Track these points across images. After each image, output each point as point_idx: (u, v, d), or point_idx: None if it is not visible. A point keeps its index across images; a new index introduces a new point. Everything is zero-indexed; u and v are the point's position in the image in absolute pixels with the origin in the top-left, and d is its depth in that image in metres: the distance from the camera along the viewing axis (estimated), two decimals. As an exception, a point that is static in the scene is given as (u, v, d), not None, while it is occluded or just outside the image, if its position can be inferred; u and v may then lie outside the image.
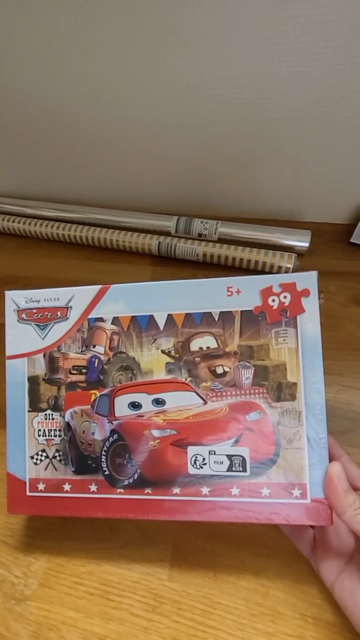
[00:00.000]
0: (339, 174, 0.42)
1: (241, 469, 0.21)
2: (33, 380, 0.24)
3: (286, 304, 0.22)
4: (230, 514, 0.20)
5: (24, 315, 0.25)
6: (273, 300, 0.22)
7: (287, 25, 0.31)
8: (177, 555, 0.24)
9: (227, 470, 0.21)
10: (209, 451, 0.21)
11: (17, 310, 0.26)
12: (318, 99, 0.35)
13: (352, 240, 0.42)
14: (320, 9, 0.29)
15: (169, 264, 0.43)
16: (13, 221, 0.47)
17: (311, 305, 0.22)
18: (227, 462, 0.21)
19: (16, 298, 0.26)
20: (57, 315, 0.25)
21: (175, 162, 0.44)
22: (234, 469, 0.21)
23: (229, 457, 0.21)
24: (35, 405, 0.24)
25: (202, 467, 0.21)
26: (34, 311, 0.25)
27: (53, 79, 0.39)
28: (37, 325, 0.25)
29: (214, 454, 0.21)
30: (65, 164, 0.47)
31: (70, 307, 0.25)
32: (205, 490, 0.21)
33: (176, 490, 0.21)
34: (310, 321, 0.21)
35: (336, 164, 0.41)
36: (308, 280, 0.22)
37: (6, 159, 0.49)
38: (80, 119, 0.42)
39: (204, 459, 0.21)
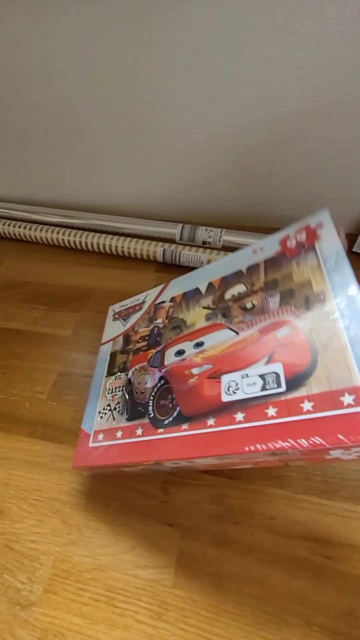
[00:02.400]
0: (341, 185, 0.42)
1: (275, 385, 0.19)
2: (113, 355, 0.31)
3: (302, 239, 0.23)
4: (269, 441, 0.17)
5: (116, 315, 0.34)
6: (291, 242, 0.24)
7: (289, 42, 0.32)
8: (182, 562, 0.24)
9: (261, 390, 0.19)
10: (242, 375, 0.20)
11: (114, 314, 0.34)
12: (322, 113, 0.36)
13: (354, 250, 0.43)
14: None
15: (173, 271, 0.44)
16: (19, 227, 0.48)
17: (326, 232, 0.22)
18: (259, 382, 0.19)
19: (115, 308, 0.35)
20: (135, 309, 0.32)
21: (181, 172, 0.45)
22: (267, 387, 0.19)
23: (262, 376, 0.19)
24: (110, 371, 0.30)
25: (234, 393, 0.20)
26: (123, 312, 0.34)
27: (61, 87, 0.40)
28: (123, 319, 0.33)
29: (247, 377, 0.20)
30: (72, 172, 0.48)
31: (144, 301, 0.32)
32: (239, 416, 0.19)
33: (211, 421, 0.20)
34: (328, 240, 0.22)
35: (339, 176, 0.42)
36: (320, 217, 0.23)
37: (13, 165, 0.49)
38: (88, 128, 0.43)
39: (237, 384, 0.20)
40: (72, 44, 0.36)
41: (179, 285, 0.30)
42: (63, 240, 0.46)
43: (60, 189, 0.51)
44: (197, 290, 0.28)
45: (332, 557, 0.24)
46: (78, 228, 0.47)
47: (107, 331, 0.33)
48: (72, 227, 0.47)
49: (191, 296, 0.28)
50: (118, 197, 0.50)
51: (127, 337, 0.31)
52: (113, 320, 0.34)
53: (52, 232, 0.47)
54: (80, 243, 0.46)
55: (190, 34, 0.34)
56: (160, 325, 0.28)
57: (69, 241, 0.46)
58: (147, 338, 0.29)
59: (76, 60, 0.37)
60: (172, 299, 0.29)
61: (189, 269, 0.44)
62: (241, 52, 0.34)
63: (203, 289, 0.28)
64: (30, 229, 0.47)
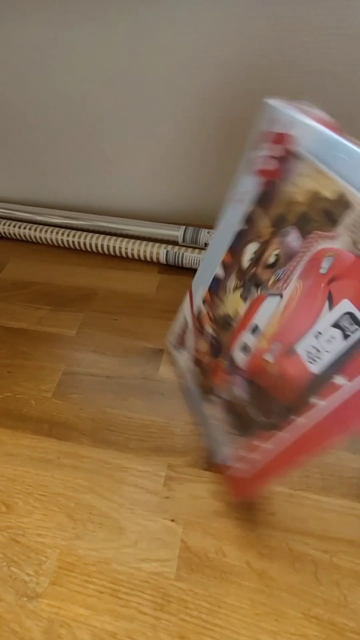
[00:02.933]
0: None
1: (357, 326, 0.15)
2: (197, 384, 0.30)
3: (279, 153, 0.19)
4: None
5: (176, 345, 0.33)
6: (269, 165, 0.20)
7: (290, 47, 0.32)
8: (183, 556, 0.25)
9: (345, 339, 0.15)
10: (314, 335, 0.17)
11: (174, 346, 0.34)
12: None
13: None
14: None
15: (175, 272, 0.44)
16: (24, 228, 0.49)
17: (297, 126, 0.18)
18: (338, 332, 0.16)
19: (171, 340, 0.34)
20: (186, 330, 0.31)
21: (184, 174, 0.46)
22: (350, 331, 0.15)
23: (336, 325, 0.16)
24: (204, 398, 0.29)
25: (319, 359, 0.17)
26: (178, 339, 0.33)
27: (65, 90, 0.41)
28: (182, 346, 0.32)
29: (320, 334, 0.17)
30: (76, 174, 0.49)
31: (186, 318, 0.31)
32: (341, 380, 0.16)
33: (315, 400, 0.17)
34: (305, 132, 0.18)
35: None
36: (275, 114, 0.19)
37: (18, 167, 0.50)
38: (92, 130, 0.44)
39: (316, 348, 0.17)
40: (76, 49, 0.37)
41: (199, 285, 0.28)
42: (67, 241, 0.47)
43: (64, 190, 0.51)
44: (215, 278, 0.26)
45: (330, 551, 0.25)
46: (81, 229, 0.48)
47: (180, 365, 0.32)
48: (76, 229, 0.48)
49: (215, 287, 0.26)
50: (121, 199, 0.51)
51: (197, 361, 0.30)
52: (178, 352, 0.33)
53: (56, 233, 0.47)
54: (83, 244, 0.47)
55: (183, 37, 0.34)
56: (213, 333, 0.27)
57: (72, 242, 0.47)
58: (210, 352, 0.27)
59: (82, 64, 0.38)
60: (204, 301, 0.28)
61: (191, 270, 0.44)
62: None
63: (221, 273, 0.25)
64: (34, 230, 0.48)
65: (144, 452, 0.30)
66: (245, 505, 0.27)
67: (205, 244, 0.44)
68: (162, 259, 0.44)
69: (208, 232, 0.44)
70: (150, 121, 0.41)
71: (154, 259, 0.45)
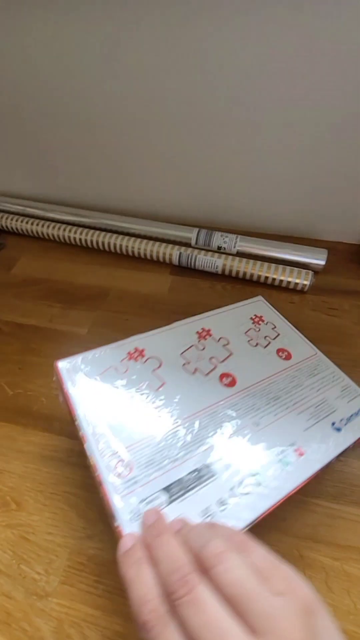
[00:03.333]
0: (354, 196, 0.43)
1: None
2: None
3: None
4: None
5: None
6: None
7: (315, 58, 0.32)
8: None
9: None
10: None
11: None
12: (334, 126, 0.37)
13: (366, 260, 0.44)
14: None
15: (188, 274, 0.45)
16: (36, 224, 0.49)
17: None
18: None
19: None
20: None
21: (198, 178, 0.46)
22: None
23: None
24: None
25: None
26: None
27: (82, 93, 0.41)
28: None
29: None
30: (91, 173, 0.49)
31: None
32: None
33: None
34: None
35: (351, 186, 0.42)
36: None
37: (33, 164, 0.50)
38: (108, 132, 0.44)
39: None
40: (93, 49, 0.37)
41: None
42: (80, 239, 0.47)
43: (79, 189, 0.52)
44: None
45: (341, 559, 0.25)
46: (94, 228, 0.48)
47: None
48: (88, 227, 0.48)
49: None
50: (135, 199, 0.51)
51: None
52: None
53: (69, 230, 0.47)
54: (96, 243, 0.47)
55: (204, 39, 0.34)
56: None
57: (85, 240, 0.47)
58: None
59: (97, 68, 0.38)
60: None
61: (203, 273, 0.45)
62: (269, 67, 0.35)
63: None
64: (47, 226, 0.48)
65: (155, 454, 0.30)
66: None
67: (218, 247, 0.44)
68: (175, 260, 0.44)
69: (221, 235, 0.44)
70: (164, 123, 0.42)
71: (167, 260, 0.45)
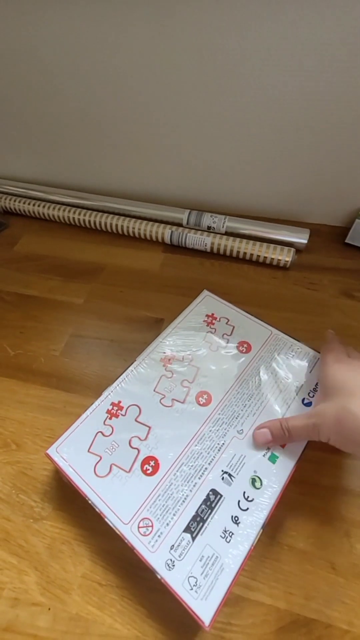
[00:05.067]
0: (337, 181, 0.46)
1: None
2: None
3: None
4: None
5: None
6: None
7: (294, 46, 0.35)
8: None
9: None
10: None
11: None
12: (321, 113, 0.40)
13: (346, 241, 0.47)
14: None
15: (179, 252, 0.47)
16: (39, 206, 0.52)
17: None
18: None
19: None
20: None
21: (190, 163, 0.49)
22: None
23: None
24: None
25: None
26: None
27: (83, 80, 0.44)
28: None
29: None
30: (90, 158, 0.52)
31: None
32: None
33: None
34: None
35: (335, 172, 0.45)
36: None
37: (36, 149, 0.53)
38: (105, 119, 0.47)
39: None
40: (96, 41, 0.40)
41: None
42: (78, 219, 0.50)
43: (79, 173, 0.55)
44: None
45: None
46: (92, 209, 0.51)
47: None
48: (87, 208, 0.51)
49: None
50: (131, 182, 0.54)
51: None
52: None
53: (69, 211, 0.50)
54: (94, 223, 0.50)
55: (204, 35, 0.37)
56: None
57: (83, 220, 0.50)
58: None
59: (98, 56, 0.41)
60: None
61: (194, 251, 0.48)
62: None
63: None
64: (48, 208, 0.51)
65: (142, 405, 0.33)
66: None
67: (208, 227, 0.47)
68: (167, 239, 0.47)
69: (211, 216, 0.47)
70: (160, 112, 0.44)
71: (159, 239, 0.48)
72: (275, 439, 0.26)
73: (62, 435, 0.28)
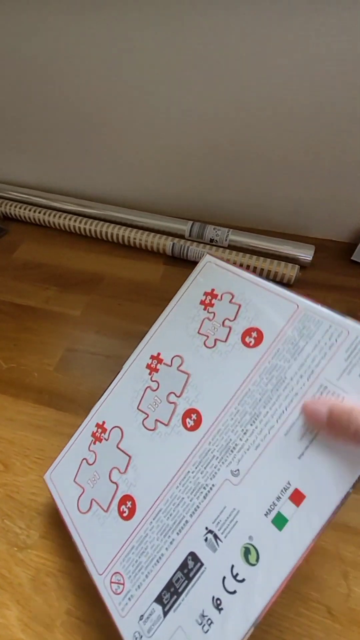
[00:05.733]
0: (344, 196, 0.45)
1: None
2: None
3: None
4: None
5: None
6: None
7: (309, 57, 0.34)
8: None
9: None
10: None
11: None
12: (330, 125, 0.39)
13: (352, 258, 0.46)
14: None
15: (180, 265, 0.46)
16: (39, 212, 0.51)
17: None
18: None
19: None
20: None
21: (194, 173, 0.48)
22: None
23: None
24: None
25: None
26: None
27: (85, 86, 0.43)
28: None
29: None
30: (94, 165, 0.51)
31: None
32: None
33: None
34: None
35: (342, 187, 0.44)
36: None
37: (38, 154, 0.52)
38: (107, 125, 0.46)
39: None
40: (97, 46, 0.39)
41: None
42: (79, 227, 0.49)
43: (80, 181, 0.54)
44: None
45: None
46: (93, 218, 0.50)
47: None
48: (88, 217, 0.50)
49: None
50: (132, 191, 0.53)
51: None
52: None
53: (69, 219, 0.49)
54: (94, 232, 0.49)
55: (204, 39, 0.36)
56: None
57: (84, 229, 0.49)
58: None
59: (98, 61, 0.40)
60: None
61: (195, 264, 0.46)
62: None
63: None
64: (49, 215, 0.50)
65: (136, 427, 0.32)
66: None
67: (211, 240, 0.46)
68: (168, 251, 0.46)
69: (214, 229, 0.46)
70: (163, 121, 0.43)
71: (160, 250, 0.46)
72: (331, 426, 0.17)
73: (55, 460, 0.27)
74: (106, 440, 0.25)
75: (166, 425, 0.23)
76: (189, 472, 0.21)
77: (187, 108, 0.42)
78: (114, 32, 0.38)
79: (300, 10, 0.32)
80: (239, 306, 0.23)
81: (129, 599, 0.19)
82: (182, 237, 0.47)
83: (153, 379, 0.25)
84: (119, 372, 0.28)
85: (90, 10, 0.37)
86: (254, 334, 0.22)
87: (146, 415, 0.24)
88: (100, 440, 0.25)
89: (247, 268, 0.43)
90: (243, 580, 0.17)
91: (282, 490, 0.18)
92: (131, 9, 0.35)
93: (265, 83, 0.37)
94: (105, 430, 0.25)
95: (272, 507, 0.18)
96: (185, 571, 0.19)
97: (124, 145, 0.48)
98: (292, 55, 0.35)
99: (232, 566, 0.18)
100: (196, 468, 0.20)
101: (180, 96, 0.41)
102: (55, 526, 0.27)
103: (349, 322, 0.19)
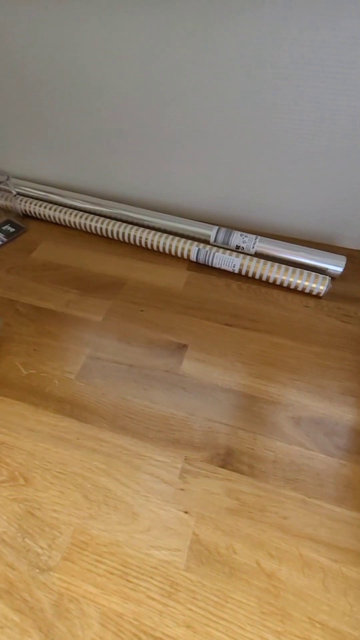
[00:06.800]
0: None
1: None
2: None
3: None
4: None
5: None
6: None
7: (347, 65, 0.32)
8: (194, 548, 0.26)
9: None
10: None
11: None
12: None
13: (382, 271, 0.44)
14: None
15: (204, 271, 0.45)
16: (59, 211, 0.49)
17: None
18: None
19: None
20: None
21: (223, 176, 0.46)
22: None
23: None
24: None
25: None
26: None
27: (110, 80, 0.41)
28: None
29: None
30: (118, 164, 0.49)
31: None
32: None
33: None
34: None
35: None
36: None
37: (59, 151, 0.51)
38: (136, 126, 0.44)
39: None
40: (127, 46, 0.37)
41: None
42: (100, 228, 0.48)
43: (102, 179, 0.52)
44: None
45: (339, 561, 0.25)
46: (115, 219, 0.49)
47: None
48: (110, 217, 0.49)
49: None
50: (156, 192, 0.51)
51: None
52: None
53: (90, 219, 0.48)
54: (116, 233, 0.47)
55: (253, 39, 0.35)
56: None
57: (105, 230, 0.47)
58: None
59: (134, 63, 0.39)
60: None
61: (220, 271, 0.45)
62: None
63: None
64: (69, 214, 0.49)
65: (162, 443, 0.31)
66: (259, 506, 0.27)
67: (237, 246, 0.44)
68: (193, 256, 0.44)
69: (241, 235, 0.44)
70: (191, 121, 0.42)
71: (185, 255, 0.45)
72: None
73: None
74: None
75: None
76: None
77: (215, 110, 0.40)
78: (154, 33, 0.36)
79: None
80: None
81: None
82: (207, 242, 0.46)
83: None
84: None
85: (121, 11, 0.35)
86: None
87: None
88: None
89: (275, 279, 0.42)
90: None
91: None
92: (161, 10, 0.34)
93: (309, 88, 0.36)
94: None
95: None
96: None
97: (148, 146, 0.46)
98: (341, 58, 0.33)
99: None
100: None
101: (208, 96, 0.39)
102: (79, 548, 0.26)
103: None
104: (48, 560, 0.26)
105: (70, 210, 0.49)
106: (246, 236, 0.44)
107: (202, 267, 0.45)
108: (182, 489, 0.28)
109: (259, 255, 0.44)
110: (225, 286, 0.43)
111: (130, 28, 0.37)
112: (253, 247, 0.44)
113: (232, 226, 0.48)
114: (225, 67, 0.37)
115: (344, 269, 0.42)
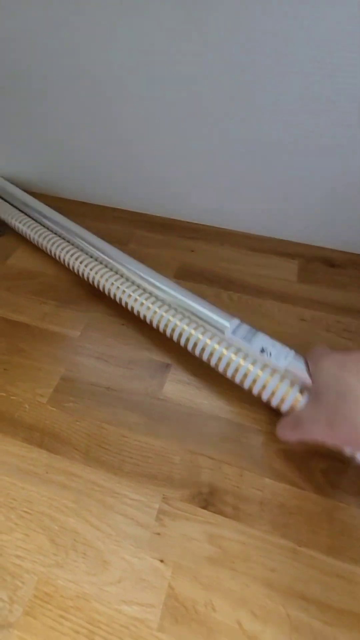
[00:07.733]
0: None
1: None
2: None
3: None
4: None
5: None
6: None
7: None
8: (169, 604, 0.23)
9: None
10: None
11: None
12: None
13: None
14: None
15: (193, 279, 0.41)
16: (32, 229, 0.45)
17: None
18: None
19: None
20: None
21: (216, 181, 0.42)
22: None
23: None
24: None
25: None
26: None
27: (118, 91, 0.37)
28: None
29: None
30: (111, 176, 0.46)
31: None
32: None
33: None
34: None
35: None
36: None
37: (39, 154, 0.47)
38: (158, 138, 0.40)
39: None
40: (125, 48, 0.33)
41: None
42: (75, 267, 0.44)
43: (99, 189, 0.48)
44: None
45: (333, 624, 0.22)
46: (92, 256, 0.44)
47: None
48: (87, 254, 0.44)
49: None
50: (145, 203, 0.47)
51: None
52: None
53: (66, 252, 0.44)
54: (92, 279, 0.43)
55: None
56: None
57: (80, 272, 0.44)
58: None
59: (134, 69, 0.34)
60: None
61: (209, 280, 0.41)
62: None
63: None
64: (42, 236, 0.43)
65: (138, 478, 0.28)
66: (243, 556, 0.24)
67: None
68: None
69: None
70: (198, 134, 0.38)
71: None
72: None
73: None
74: None
75: None
76: None
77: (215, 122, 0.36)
78: (138, 34, 0.32)
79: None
80: None
81: None
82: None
83: None
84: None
85: (122, 20, 0.31)
86: None
87: None
88: None
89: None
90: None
91: None
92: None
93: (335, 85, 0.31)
94: None
95: None
96: None
97: (141, 156, 0.42)
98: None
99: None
100: None
101: (242, 103, 0.35)
102: (42, 601, 0.23)
103: None
104: (8, 615, 0.23)
105: (43, 231, 0.42)
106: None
107: (191, 275, 0.41)
108: (158, 534, 0.25)
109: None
110: (214, 296, 0.40)
111: (148, 34, 0.32)
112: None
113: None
114: (235, 81, 0.32)
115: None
